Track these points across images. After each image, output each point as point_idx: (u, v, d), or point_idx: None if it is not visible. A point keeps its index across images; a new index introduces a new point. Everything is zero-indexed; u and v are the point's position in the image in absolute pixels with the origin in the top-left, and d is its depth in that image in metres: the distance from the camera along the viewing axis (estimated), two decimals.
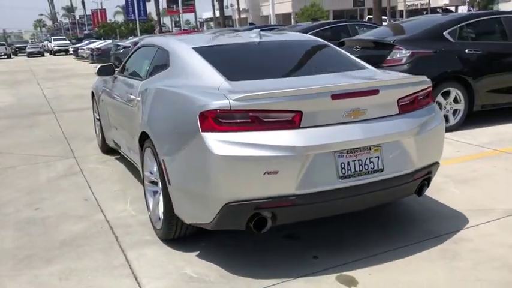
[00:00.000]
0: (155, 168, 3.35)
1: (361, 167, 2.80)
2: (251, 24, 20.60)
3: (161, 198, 3.31)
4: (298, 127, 2.68)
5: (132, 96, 4.01)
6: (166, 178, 3.01)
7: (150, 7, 54.37)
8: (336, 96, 2.72)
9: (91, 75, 13.25)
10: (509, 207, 3.69)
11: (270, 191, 2.66)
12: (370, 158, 2.82)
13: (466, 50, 6.17)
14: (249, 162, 2.61)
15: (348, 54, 3.92)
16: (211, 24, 65.08)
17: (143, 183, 3.72)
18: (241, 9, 58.47)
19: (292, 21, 60.69)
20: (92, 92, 5.99)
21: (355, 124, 2.80)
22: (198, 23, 53.58)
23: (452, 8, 65.74)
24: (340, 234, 3.37)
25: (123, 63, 4.90)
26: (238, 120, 2.66)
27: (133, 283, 2.86)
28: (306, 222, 3.21)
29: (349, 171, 2.77)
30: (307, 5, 57.99)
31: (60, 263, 3.14)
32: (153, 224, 3.48)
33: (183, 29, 37.45)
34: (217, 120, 2.66)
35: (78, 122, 8.23)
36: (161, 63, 3.80)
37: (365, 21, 14.85)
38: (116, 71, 5.05)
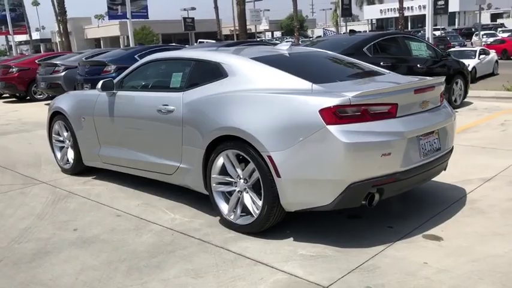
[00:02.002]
0: (234, 169, 3.64)
1: (431, 146, 3.56)
2: (140, 44, 20.43)
3: (245, 195, 3.63)
4: (395, 117, 3.33)
5: (171, 107, 4.14)
6: (274, 172, 3.34)
7: None
8: (417, 91, 3.45)
9: None
10: (481, 176, 4.82)
11: (383, 170, 3.24)
12: (434, 140, 3.61)
13: (381, 63, 7.47)
14: (370, 147, 3.17)
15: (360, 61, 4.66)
16: (24, 48, 59.88)
17: (209, 187, 3.89)
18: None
19: (121, 44, 59.81)
20: (55, 112, 5.66)
21: (425, 113, 3.56)
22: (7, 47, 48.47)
23: (269, 33, 72.04)
24: (388, 210, 4.06)
25: (122, 80, 4.86)
26: (352, 114, 3.19)
27: (267, 268, 3.13)
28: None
29: (426, 151, 3.51)
30: (138, 29, 57.75)
31: (175, 267, 3.22)
32: (234, 222, 3.72)
33: (20, 53, 34.17)
34: (337, 114, 3.15)
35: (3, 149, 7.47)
36: (209, 74, 4.04)
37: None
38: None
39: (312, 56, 4.49)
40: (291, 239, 3.57)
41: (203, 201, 4.30)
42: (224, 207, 3.82)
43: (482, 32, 36.43)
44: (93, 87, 10.97)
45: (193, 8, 55.22)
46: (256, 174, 3.50)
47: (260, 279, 2.99)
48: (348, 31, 9.33)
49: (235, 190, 3.74)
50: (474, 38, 36.98)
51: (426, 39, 13.69)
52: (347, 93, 3.22)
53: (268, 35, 68.21)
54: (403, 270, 3.02)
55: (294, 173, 3.30)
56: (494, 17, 65.87)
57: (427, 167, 3.55)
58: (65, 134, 5.65)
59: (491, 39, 34.28)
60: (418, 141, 3.45)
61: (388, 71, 4.35)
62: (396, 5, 65.00)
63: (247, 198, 3.65)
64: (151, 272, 3.18)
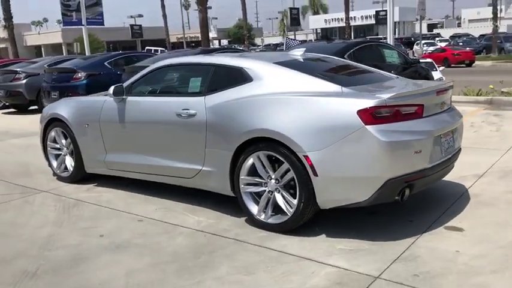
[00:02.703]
0: (265, 170, 3.77)
1: (448, 145, 3.85)
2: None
3: (276, 195, 3.77)
4: (422, 117, 3.59)
5: (192, 111, 4.20)
6: (311, 171, 3.50)
7: None
8: (438, 93, 3.73)
9: None
10: (474, 173, 5.20)
11: (414, 166, 3.49)
12: (451, 138, 3.90)
13: None
14: (405, 145, 3.40)
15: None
16: None
17: (237, 189, 3.99)
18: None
19: (64, 52, 57.94)
20: (52, 119, 5.54)
21: (443, 114, 3.84)
22: None
23: (216, 42, 72.38)
24: (400, 206, 4.30)
25: (131, 85, 4.85)
26: (386, 114, 3.42)
27: (313, 263, 3.28)
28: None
29: (445, 148, 3.79)
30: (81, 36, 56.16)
31: (223, 265, 3.30)
32: (265, 221, 3.84)
33: None
34: (374, 115, 3.37)
35: None
36: (232, 78, 4.14)
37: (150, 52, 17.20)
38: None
39: (326, 61, 4.70)
40: (323, 235, 3.73)
41: (221, 204, 4.41)
42: (253, 207, 3.93)
43: (422, 41, 38.37)
44: (62, 94, 10.82)
45: (140, 15, 54.64)
46: (291, 174, 3.65)
47: (311, 273, 3.13)
48: (314, 38, 9.68)
49: (265, 190, 3.86)
50: (415, 47, 38.72)
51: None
52: (381, 95, 3.44)
53: (216, 43, 68.45)
54: (440, 258, 3.26)
55: (331, 171, 3.47)
56: (430, 27, 69.50)
57: (446, 163, 3.84)
58: (63, 141, 5.54)
59: (431, 48, 36.06)
60: (440, 140, 3.72)
61: (396, 75, 4.63)
62: (340, 15, 67.22)
63: (279, 198, 3.78)
64: (202, 271, 3.24)
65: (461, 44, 38.46)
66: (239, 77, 4.12)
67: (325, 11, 72.34)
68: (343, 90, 3.67)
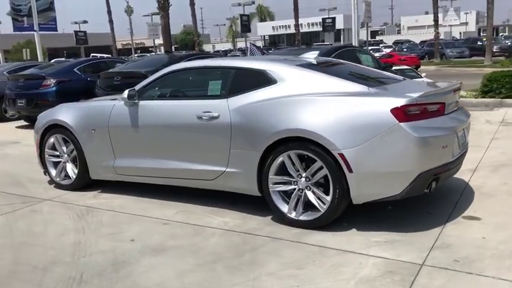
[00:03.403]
0: (295, 168, 3.89)
1: (462, 140, 4.12)
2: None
3: (307, 192, 3.90)
4: (444, 114, 3.84)
5: (215, 114, 4.26)
6: (346, 168, 3.65)
7: None
8: (455, 91, 4.00)
9: None
10: (467, 168, 5.55)
11: (441, 160, 3.73)
12: (463, 134, 4.17)
13: None
14: (435, 140, 3.64)
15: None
16: None
17: (265, 188, 4.07)
18: None
19: (1, 59, 55.39)
20: (51, 125, 5.39)
21: (458, 111, 4.11)
22: None
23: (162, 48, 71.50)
24: (414, 202, 4.53)
25: (142, 89, 4.82)
26: (415, 112, 3.63)
27: (356, 255, 3.42)
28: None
29: (460, 144, 4.06)
30: (22, 42, 53.94)
31: (271, 262, 3.38)
32: (296, 219, 3.95)
33: None
34: (406, 112, 3.58)
35: None
36: (254, 81, 4.24)
37: (121, 58, 17.14)
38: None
39: (340, 64, 4.88)
40: (354, 229, 3.89)
41: (240, 204, 4.51)
42: (283, 206, 4.03)
43: (369, 48, 39.82)
44: (29, 102, 10.43)
45: (85, 22, 52.91)
46: (324, 172, 3.78)
47: (359, 265, 3.28)
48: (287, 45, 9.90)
49: (295, 189, 3.98)
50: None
51: None
52: (410, 94, 3.66)
53: (161, 49, 67.73)
54: (471, 245, 3.50)
55: (366, 167, 3.64)
56: (372, 33, 72.12)
57: (461, 158, 4.11)
58: (64, 148, 5.40)
59: (378, 54, 37.44)
60: (457, 135, 3.99)
61: (402, 78, 4.89)
62: (287, 22, 68.41)
63: (311, 195, 3.91)
64: (252, 268, 3.30)
65: (405, 49, 40.19)
66: (262, 79, 4.22)
67: (272, 18, 73.46)
68: (370, 90, 3.86)
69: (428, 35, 60.09)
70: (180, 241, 3.85)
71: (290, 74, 4.18)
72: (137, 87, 4.87)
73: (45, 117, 5.60)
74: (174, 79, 4.86)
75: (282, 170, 4.01)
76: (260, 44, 64.82)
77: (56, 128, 5.39)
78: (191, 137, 4.45)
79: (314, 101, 3.89)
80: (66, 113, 5.35)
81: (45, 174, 5.80)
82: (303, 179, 3.93)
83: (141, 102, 4.77)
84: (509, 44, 37.99)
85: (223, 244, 3.75)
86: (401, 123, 3.54)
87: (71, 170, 5.41)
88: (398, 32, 79.80)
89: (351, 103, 3.77)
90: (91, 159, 5.17)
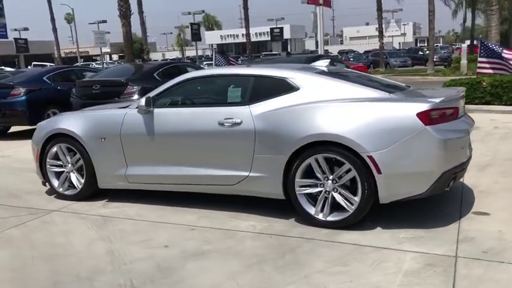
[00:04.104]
0: (321, 171, 4.08)
1: (469, 141, 4.47)
2: None
3: (334, 194, 4.09)
4: (457, 118, 4.15)
5: (238, 120, 4.37)
6: (375, 169, 3.87)
7: None
8: (463, 97, 4.33)
9: None
10: None
11: (459, 160, 4.04)
12: (469, 137, 4.52)
13: None
14: (455, 141, 3.94)
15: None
16: None
17: (291, 191, 4.22)
18: None
19: None
20: (54, 134, 5.27)
21: (465, 116, 4.45)
22: None
23: (115, 56, 70.22)
24: (420, 202, 4.83)
25: (156, 97, 4.84)
26: (437, 116, 3.92)
27: (392, 251, 3.64)
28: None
29: (469, 146, 4.40)
30: None
31: (315, 261, 3.54)
32: (324, 220, 4.12)
33: None
34: (430, 116, 3.85)
35: None
36: (275, 88, 4.40)
37: (88, 67, 16.92)
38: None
39: (351, 72, 5.13)
40: (379, 228, 4.11)
41: (258, 208, 4.64)
42: (309, 208, 4.19)
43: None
44: None
45: (26, 29, 50.87)
46: (352, 174, 3.98)
47: (399, 259, 3.49)
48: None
49: (321, 191, 4.15)
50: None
51: None
52: (431, 99, 3.94)
53: (107, 57, 66.29)
54: (491, 237, 3.81)
55: (394, 168, 3.87)
56: (317, 44, 74.18)
57: (470, 158, 4.45)
58: (68, 157, 5.30)
59: None
60: (467, 137, 4.32)
61: (408, 85, 5.19)
62: (235, 32, 68.94)
63: (338, 197, 4.09)
64: (299, 267, 3.44)
65: (352, 59, 41.55)
66: (284, 86, 4.38)
67: (219, 28, 73.76)
68: (391, 96, 4.12)
69: (370, 45, 62.53)
70: (216, 245, 3.92)
71: (311, 81, 4.37)
72: (151, 94, 4.88)
73: (46, 126, 5.47)
74: (190, 87, 4.93)
75: (308, 173, 4.18)
76: (208, 52, 64.87)
77: (59, 137, 5.28)
78: (212, 143, 4.52)
79: (340, 107, 4.09)
80: (71, 122, 5.26)
81: (44, 184, 5.66)
82: (330, 181, 4.11)
83: (157, 110, 4.79)
84: (447, 54, 40.31)
85: (260, 246, 3.85)
86: (427, 127, 3.81)
87: (76, 179, 5.31)
88: (341, 42, 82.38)
89: (377, 108, 4.00)
90: (100, 168, 5.10)
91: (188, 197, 4.94)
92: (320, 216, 4.16)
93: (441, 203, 4.67)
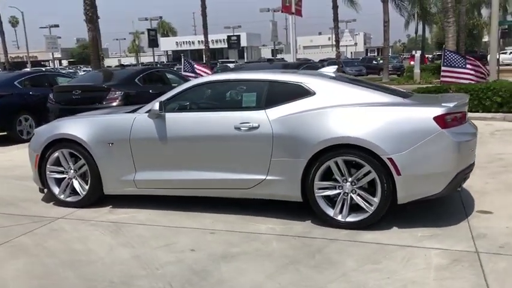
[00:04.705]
0: (340, 174, 4.21)
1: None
2: None
3: (353, 195, 4.23)
4: (465, 122, 4.39)
5: (255, 124, 4.44)
6: (395, 171, 4.03)
7: None
8: (467, 103, 4.59)
9: None
10: None
11: (469, 161, 4.27)
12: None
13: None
14: (467, 144, 4.17)
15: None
16: None
17: (310, 194, 4.31)
18: None
19: None
20: (55, 140, 5.14)
21: (468, 122, 4.70)
22: None
23: (65, 61, 68.05)
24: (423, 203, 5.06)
25: (167, 102, 4.82)
26: (450, 120, 4.14)
27: (415, 248, 3.80)
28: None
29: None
30: None
31: (347, 260, 3.64)
32: (343, 221, 4.24)
33: None
34: (445, 120, 4.07)
35: None
36: (291, 93, 4.49)
37: (59, 72, 16.45)
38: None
39: (359, 79, 5.29)
40: (395, 227, 4.27)
41: (269, 211, 4.72)
42: (328, 209, 4.30)
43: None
44: None
45: None
46: (372, 176, 4.13)
47: (425, 256, 3.66)
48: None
49: (339, 193, 4.28)
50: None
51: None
52: (445, 104, 4.16)
53: (57, 63, 64.25)
54: (502, 233, 4.05)
55: (412, 170, 4.05)
56: (273, 52, 75.02)
57: (474, 162, 4.70)
58: (70, 163, 5.17)
59: None
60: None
61: (411, 92, 5.40)
62: (191, 38, 68.61)
63: (357, 198, 4.23)
64: (334, 267, 3.53)
65: None
66: (299, 91, 4.49)
67: (174, 34, 73.17)
68: (405, 101, 4.32)
69: (323, 54, 63.86)
70: (242, 248, 3.95)
71: (326, 86, 4.50)
72: (162, 99, 4.86)
73: (46, 131, 5.31)
74: (202, 91, 4.94)
75: (326, 176, 4.29)
76: (164, 59, 64.23)
77: (61, 142, 5.15)
78: (228, 148, 4.55)
79: (359, 111, 4.24)
80: (75, 127, 5.14)
81: (41, 191, 5.49)
82: (348, 183, 4.24)
83: (168, 114, 4.77)
84: (399, 64, 41.85)
85: (287, 247, 3.92)
86: (444, 130, 4.02)
87: (79, 186, 5.18)
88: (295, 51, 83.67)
89: (395, 112, 4.18)
90: (106, 173, 5.01)
91: (194, 202, 4.95)
92: (339, 218, 4.27)
93: (443, 203, 4.89)
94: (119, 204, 5.18)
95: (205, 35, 39.93)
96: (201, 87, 4.92)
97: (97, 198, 5.17)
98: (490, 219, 4.44)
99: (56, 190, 5.27)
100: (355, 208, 4.27)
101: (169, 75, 10.53)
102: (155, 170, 4.86)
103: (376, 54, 68.77)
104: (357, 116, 4.22)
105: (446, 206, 4.81)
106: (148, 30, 41.58)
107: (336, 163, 4.23)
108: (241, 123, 4.49)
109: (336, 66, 5.52)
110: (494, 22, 14.44)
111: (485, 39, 44.51)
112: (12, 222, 4.80)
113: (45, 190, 5.40)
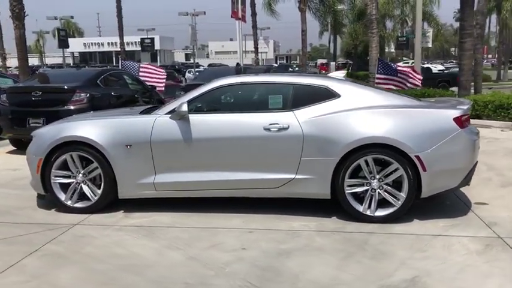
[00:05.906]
0: (369, 171, 4.51)
1: None
2: None
3: (380, 191, 4.55)
4: (469, 123, 4.91)
5: (284, 125, 4.60)
6: (421, 168, 4.41)
7: None
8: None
9: None
10: None
11: (476, 158, 4.78)
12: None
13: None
14: (477, 142, 4.67)
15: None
16: None
17: (340, 192, 4.56)
18: None
19: None
20: (64, 143, 4.88)
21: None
22: None
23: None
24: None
25: (190, 102, 4.80)
26: (464, 121, 4.62)
27: (445, 237, 4.19)
28: None
29: None
30: None
31: (395, 251, 3.93)
32: (371, 215, 4.54)
33: None
34: (461, 121, 4.54)
35: None
36: (317, 95, 4.72)
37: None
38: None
39: (364, 82, 5.62)
40: (416, 220, 4.65)
41: (293, 209, 4.89)
42: (357, 205, 4.58)
43: (194, 69, 41.36)
44: None
45: None
46: (400, 173, 4.47)
47: (458, 243, 4.06)
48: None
49: (367, 189, 4.57)
50: (188, 74, 41.54)
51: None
52: (460, 106, 4.64)
53: None
54: (507, 220, 4.59)
55: (436, 166, 4.45)
56: (187, 56, 74.56)
57: None
58: (80, 167, 4.93)
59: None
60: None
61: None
62: (100, 40, 65.93)
63: (384, 194, 4.55)
64: (389, 256, 3.80)
65: None
66: (325, 94, 4.73)
67: (81, 35, 69.84)
68: (422, 103, 4.73)
69: (235, 59, 64.75)
70: (291, 244, 4.08)
71: (350, 90, 4.79)
72: (185, 99, 4.84)
73: (50, 134, 5.00)
74: (224, 93, 4.98)
75: (355, 174, 4.57)
76: (70, 61, 61.05)
77: (70, 145, 4.90)
78: (256, 148, 4.66)
79: (385, 112, 4.58)
80: (87, 129, 4.91)
81: (40, 198, 5.17)
82: (376, 180, 4.55)
83: (193, 115, 4.76)
84: (314, 71, 43.90)
85: (333, 242, 4.12)
86: (462, 130, 4.48)
87: (90, 191, 4.96)
88: (207, 56, 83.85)
89: (418, 113, 4.58)
90: (123, 177, 4.85)
91: (203, 203, 5.00)
92: (368, 212, 4.56)
93: (440, 198, 5.37)
94: (131, 209, 5.02)
95: (121, 36, 38.74)
96: (225, 88, 4.96)
97: (107, 203, 4.98)
98: (490, 209, 4.98)
99: (61, 196, 4.99)
100: (380, 203, 4.59)
101: (125, 77, 10.17)
102: (178, 172, 4.81)
103: (285, 61, 71.15)
104: (383, 117, 4.55)
105: (445, 200, 5.29)
106: (59, 30, 39.35)
107: (366, 161, 4.52)
108: (270, 124, 4.62)
109: (345, 72, 5.83)
110: (418, 34, 15.78)
111: (387, 49, 47.94)
112: (24, 231, 4.48)
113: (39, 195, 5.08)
